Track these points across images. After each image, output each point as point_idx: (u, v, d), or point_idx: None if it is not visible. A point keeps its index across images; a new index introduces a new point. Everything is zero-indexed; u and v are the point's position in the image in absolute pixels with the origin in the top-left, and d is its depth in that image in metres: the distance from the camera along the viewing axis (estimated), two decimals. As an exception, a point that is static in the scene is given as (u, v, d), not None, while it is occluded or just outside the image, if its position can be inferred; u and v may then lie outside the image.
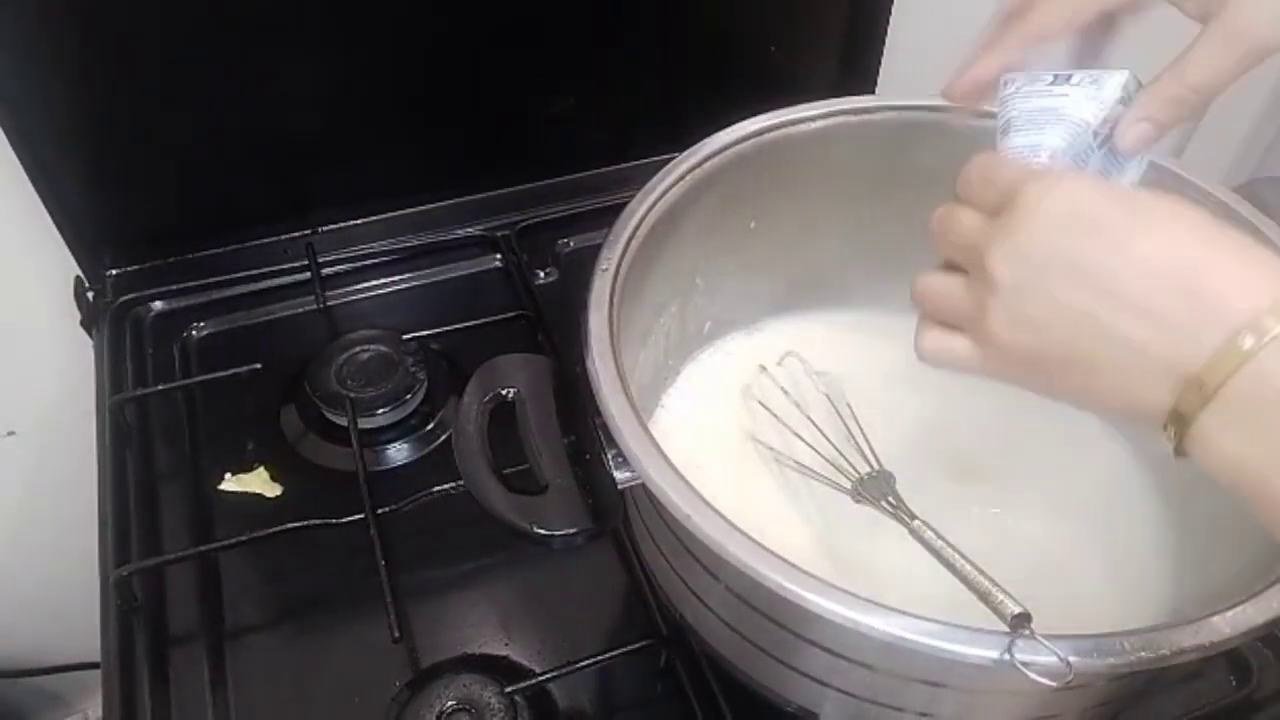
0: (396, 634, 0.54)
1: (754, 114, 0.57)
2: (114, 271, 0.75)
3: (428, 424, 0.68)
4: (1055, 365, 0.35)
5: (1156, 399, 0.33)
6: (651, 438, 0.42)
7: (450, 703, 0.52)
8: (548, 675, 0.54)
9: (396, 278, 0.79)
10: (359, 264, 0.78)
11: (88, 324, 0.75)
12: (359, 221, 0.79)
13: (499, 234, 0.80)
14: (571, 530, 0.44)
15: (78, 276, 0.75)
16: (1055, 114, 0.41)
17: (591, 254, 0.50)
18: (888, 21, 0.85)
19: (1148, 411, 0.33)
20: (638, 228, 0.51)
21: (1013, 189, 0.36)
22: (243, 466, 0.65)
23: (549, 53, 0.75)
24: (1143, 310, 0.32)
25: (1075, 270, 0.34)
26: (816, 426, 0.57)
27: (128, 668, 0.55)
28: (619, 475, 0.43)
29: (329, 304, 0.74)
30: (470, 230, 0.80)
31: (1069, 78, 0.42)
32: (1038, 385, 0.37)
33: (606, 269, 0.49)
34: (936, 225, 0.40)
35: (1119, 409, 0.35)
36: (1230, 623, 0.37)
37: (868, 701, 0.45)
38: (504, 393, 0.49)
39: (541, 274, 0.78)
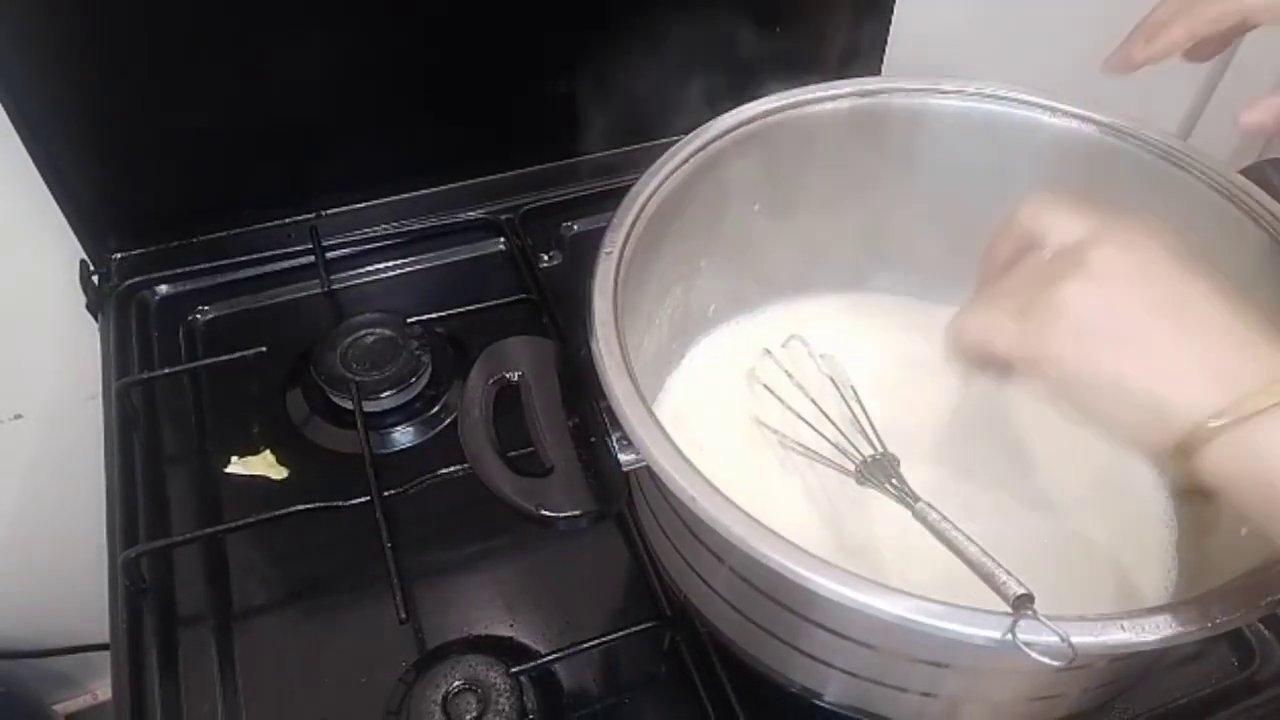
0: (403, 615, 0.54)
1: (758, 96, 0.56)
2: (119, 255, 0.75)
3: (433, 407, 0.68)
4: (1108, 350, 0.36)
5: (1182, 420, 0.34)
6: (656, 420, 0.42)
7: (456, 683, 0.52)
8: (553, 656, 0.54)
9: (401, 261, 0.79)
10: (363, 247, 0.78)
11: (93, 307, 0.75)
12: (363, 205, 0.79)
13: (503, 217, 0.80)
14: (576, 512, 0.44)
15: (83, 260, 0.75)
16: None
17: (596, 237, 0.50)
18: (894, 2, 0.84)
19: (1174, 417, 0.34)
20: (642, 211, 0.51)
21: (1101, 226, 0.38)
22: (249, 449, 0.66)
23: (553, 35, 0.75)
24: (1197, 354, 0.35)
25: (1170, 289, 0.36)
26: (820, 409, 0.57)
27: (136, 649, 0.55)
28: (623, 458, 0.43)
29: (333, 287, 0.74)
30: (474, 213, 0.80)
31: None
32: (1066, 373, 0.37)
33: (611, 252, 0.49)
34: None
35: (1148, 411, 0.35)
36: (1231, 604, 0.37)
37: (871, 682, 0.45)
38: (509, 376, 0.49)
39: (546, 257, 0.78)
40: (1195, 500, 0.36)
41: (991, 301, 0.40)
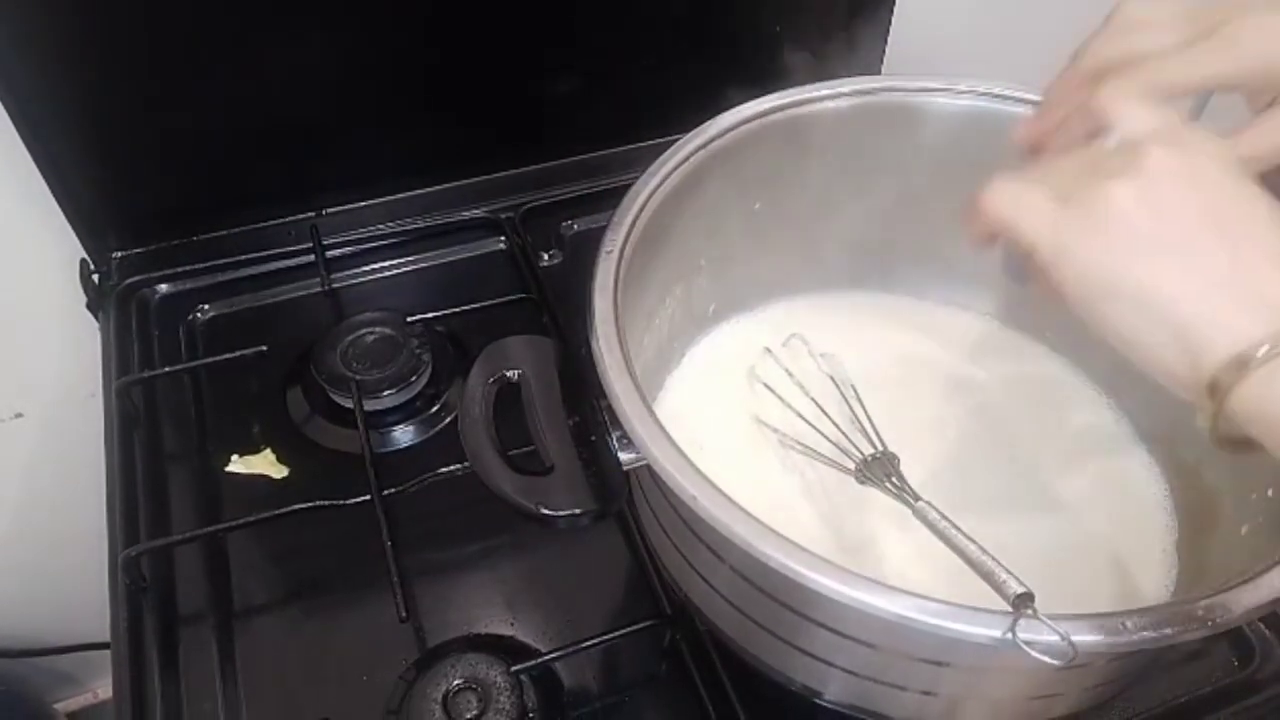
0: (403, 614, 0.54)
1: (759, 94, 0.56)
2: (119, 254, 0.76)
3: (433, 406, 0.68)
4: (1143, 259, 0.33)
5: (1229, 334, 0.31)
6: (656, 419, 0.42)
7: (457, 681, 0.52)
8: (553, 655, 0.54)
9: (401, 260, 0.79)
10: (364, 246, 0.78)
11: (94, 306, 0.75)
12: (364, 204, 0.79)
13: (503, 216, 0.80)
14: (576, 511, 0.44)
15: (83, 259, 0.75)
16: None
17: (596, 236, 0.50)
18: (894, 2, 0.84)
19: (1210, 343, 0.32)
20: (642, 209, 0.51)
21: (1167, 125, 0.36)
22: (249, 448, 0.66)
23: (553, 33, 0.75)
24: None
25: (1229, 199, 0.33)
26: (821, 408, 0.57)
27: (137, 647, 0.55)
28: (623, 457, 0.43)
29: (334, 286, 0.74)
30: (475, 212, 0.80)
31: None
32: (1091, 280, 0.34)
33: (611, 251, 0.49)
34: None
35: (1180, 334, 0.32)
36: (1232, 603, 0.37)
37: (871, 680, 0.45)
38: (509, 374, 0.49)
39: (546, 256, 0.78)
40: (1234, 452, 0.33)
41: (1032, 176, 0.37)
